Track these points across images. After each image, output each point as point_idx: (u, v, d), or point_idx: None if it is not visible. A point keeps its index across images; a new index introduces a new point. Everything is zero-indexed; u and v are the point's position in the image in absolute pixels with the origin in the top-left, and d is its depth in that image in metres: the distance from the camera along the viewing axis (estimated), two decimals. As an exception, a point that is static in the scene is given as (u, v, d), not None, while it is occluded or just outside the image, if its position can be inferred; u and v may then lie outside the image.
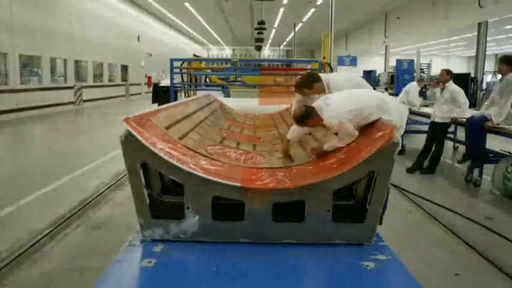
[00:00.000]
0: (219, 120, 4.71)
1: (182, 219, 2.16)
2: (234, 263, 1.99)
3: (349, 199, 2.65)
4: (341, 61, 22.71)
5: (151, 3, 24.42)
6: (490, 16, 15.76)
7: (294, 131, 2.97)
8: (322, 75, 3.39)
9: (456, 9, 17.19)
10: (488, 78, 22.57)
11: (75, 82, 17.95)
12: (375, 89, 4.65)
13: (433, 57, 30.02)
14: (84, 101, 18.51)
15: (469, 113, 6.48)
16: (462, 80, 12.32)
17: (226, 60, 14.38)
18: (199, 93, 7.48)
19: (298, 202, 2.18)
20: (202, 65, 11.23)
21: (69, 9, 17.49)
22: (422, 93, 11.11)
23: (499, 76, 6.03)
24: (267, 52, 51.21)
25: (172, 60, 8.25)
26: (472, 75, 15.94)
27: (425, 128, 7.49)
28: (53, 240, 3.88)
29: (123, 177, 5.94)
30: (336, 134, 2.62)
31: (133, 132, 2.06)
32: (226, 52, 51.61)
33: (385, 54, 27.15)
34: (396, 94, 16.58)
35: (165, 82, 10.42)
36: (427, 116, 7.44)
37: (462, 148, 7.44)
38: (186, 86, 9.25)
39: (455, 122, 6.73)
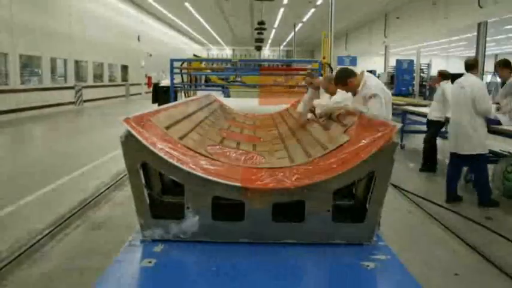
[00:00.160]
0: (219, 120, 4.71)
1: (182, 219, 2.16)
2: (234, 263, 1.99)
3: (349, 199, 2.66)
4: (341, 61, 22.70)
5: (151, 3, 24.41)
6: (490, 16, 15.75)
7: (302, 104, 3.31)
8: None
9: (456, 9, 17.19)
10: (488, 78, 22.54)
11: (76, 82, 17.95)
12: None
13: (433, 58, 30.02)
14: (84, 101, 18.51)
15: None
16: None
17: (226, 61, 14.37)
18: (199, 93, 7.49)
19: (298, 202, 2.18)
20: (202, 65, 11.23)
21: (69, 9, 17.49)
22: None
23: (499, 79, 5.99)
24: (267, 52, 51.21)
25: (172, 61, 8.25)
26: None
27: (425, 128, 7.55)
28: (53, 240, 3.88)
29: (123, 177, 5.94)
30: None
31: (133, 132, 2.06)
32: (226, 52, 51.61)
33: (385, 54, 27.13)
34: (396, 94, 16.60)
35: (165, 82, 10.42)
36: (424, 115, 7.57)
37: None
38: (186, 86, 9.25)
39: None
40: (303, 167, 2.52)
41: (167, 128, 2.60)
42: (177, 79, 8.98)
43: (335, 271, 2.03)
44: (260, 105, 6.63)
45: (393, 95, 14.53)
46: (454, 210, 4.75)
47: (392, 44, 27.23)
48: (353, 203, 2.62)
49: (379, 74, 25.55)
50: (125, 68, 24.39)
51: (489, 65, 21.90)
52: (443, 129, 7.24)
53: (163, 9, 26.36)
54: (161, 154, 2.08)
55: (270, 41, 41.54)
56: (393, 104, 4.10)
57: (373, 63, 34.83)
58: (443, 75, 6.86)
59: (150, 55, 28.21)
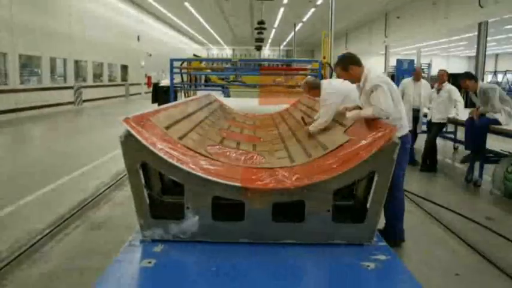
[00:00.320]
0: (219, 120, 4.71)
1: (182, 219, 2.16)
2: (234, 263, 1.99)
3: (349, 199, 2.65)
4: (341, 61, 22.66)
5: (151, 3, 24.40)
6: (490, 16, 15.75)
7: (328, 112, 3.41)
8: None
9: (456, 9, 17.19)
10: (488, 78, 22.54)
11: (75, 82, 17.95)
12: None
13: (433, 57, 30.01)
14: (84, 101, 18.51)
15: (464, 112, 6.56)
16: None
17: (226, 60, 14.36)
18: (199, 93, 7.49)
19: (298, 202, 2.17)
20: (202, 65, 11.22)
21: (69, 9, 17.48)
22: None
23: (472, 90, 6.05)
24: (267, 52, 51.19)
25: (172, 60, 8.24)
26: (472, 75, 15.93)
27: (424, 127, 7.53)
28: (53, 241, 3.88)
29: (123, 177, 5.93)
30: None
31: (133, 132, 2.06)
32: (226, 52, 51.60)
33: (385, 54, 27.12)
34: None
35: (165, 82, 10.41)
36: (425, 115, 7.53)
37: (462, 148, 7.46)
38: (185, 86, 9.24)
39: (456, 122, 6.77)
40: (303, 167, 2.52)
41: (167, 128, 2.60)
42: (177, 79, 8.97)
43: (335, 271, 2.03)
44: (260, 105, 6.63)
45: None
46: (454, 210, 4.74)
47: (392, 43, 27.23)
48: (353, 203, 2.61)
49: (379, 74, 25.55)
50: (124, 68, 24.37)
51: (489, 65, 21.89)
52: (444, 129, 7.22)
53: (163, 9, 26.34)
54: (161, 154, 2.08)
55: (270, 41, 41.52)
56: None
57: (373, 63, 34.82)
58: (450, 76, 6.87)
59: (150, 55, 28.20)
